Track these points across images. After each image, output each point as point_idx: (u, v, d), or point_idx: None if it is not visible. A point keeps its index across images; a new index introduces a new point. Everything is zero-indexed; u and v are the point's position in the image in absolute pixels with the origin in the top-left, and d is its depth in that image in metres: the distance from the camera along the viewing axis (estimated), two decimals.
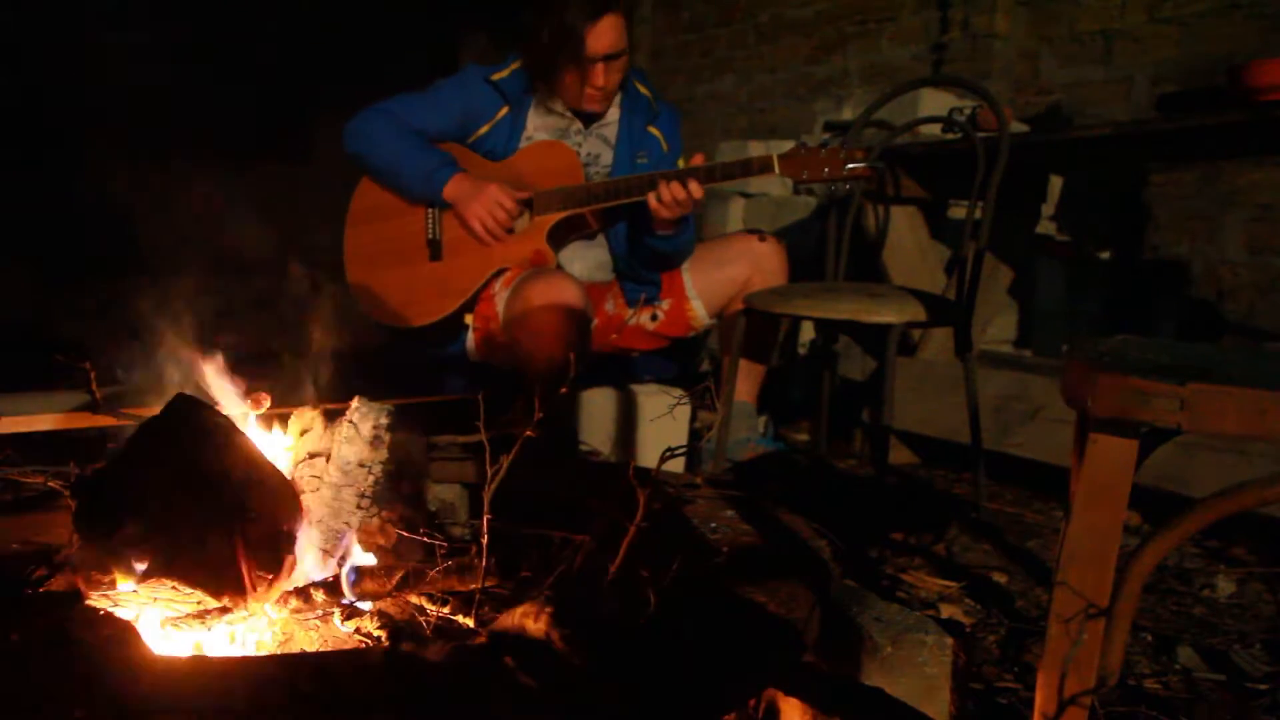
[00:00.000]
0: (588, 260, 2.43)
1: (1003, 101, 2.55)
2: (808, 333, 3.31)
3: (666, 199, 2.11)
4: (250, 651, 1.03)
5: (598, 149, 2.38)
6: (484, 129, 2.33)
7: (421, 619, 1.08)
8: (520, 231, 2.27)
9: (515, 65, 2.34)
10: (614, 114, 2.39)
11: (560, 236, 2.32)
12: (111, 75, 4.03)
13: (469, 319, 2.30)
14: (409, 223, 2.34)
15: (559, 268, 2.34)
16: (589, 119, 2.37)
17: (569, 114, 2.35)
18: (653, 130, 2.39)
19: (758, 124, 5.04)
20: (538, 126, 2.35)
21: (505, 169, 2.30)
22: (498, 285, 2.25)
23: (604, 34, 2.16)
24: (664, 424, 2.23)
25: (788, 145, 2.38)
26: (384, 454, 1.24)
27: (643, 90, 2.40)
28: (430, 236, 2.32)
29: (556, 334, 2.06)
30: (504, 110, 2.32)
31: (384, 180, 2.34)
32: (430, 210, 2.32)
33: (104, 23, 4.12)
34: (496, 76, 2.32)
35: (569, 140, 2.33)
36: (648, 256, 2.34)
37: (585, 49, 2.15)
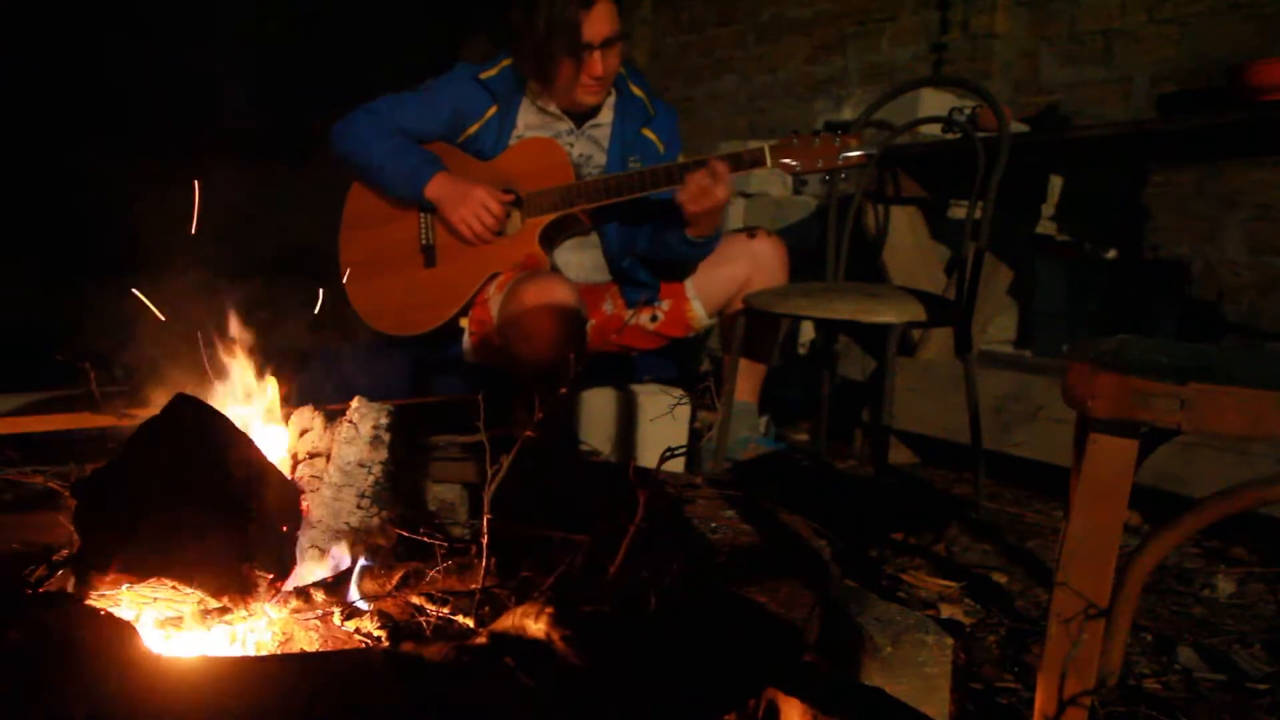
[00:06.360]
0: (584, 260, 2.42)
1: (1003, 101, 2.55)
2: (808, 333, 3.31)
3: (694, 190, 2.06)
4: (250, 651, 1.03)
5: (590, 150, 2.37)
6: (473, 128, 2.32)
7: (421, 619, 1.07)
8: (512, 234, 2.27)
9: (505, 63, 2.32)
10: (607, 116, 2.38)
11: (553, 237, 2.31)
12: (112, 74, 4.03)
13: (464, 323, 2.30)
14: (402, 228, 2.33)
15: (554, 269, 2.33)
16: (581, 119, 2.36)
17: (562, 114, 2.34)
18: (647, 133, 2.38)
19: (758, 124, 5.05)
20: (528, 125, 2.33)
21: (493, 168, 2.29)
22: (492, 289, 2.24)
23: (599, 19, 2.15)
24: (664, 424, 2.23)
25: None
26: (384, 454, 1.24)
27: (637, 92, 2.39)
28: (424, 242, 2.31)
29: (550, 337, 2.05)
30: (493, 109, 2.31)
31: (370, 181, 2.34)
32: (423, 215, 2.31)
33: (108, 23, 4.12)
34: (485, 75, 2.31)
35: (561, 141, 2.32)
36: (663, 261, 2.31)
37: (582, 36, 2.14)
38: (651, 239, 2.33)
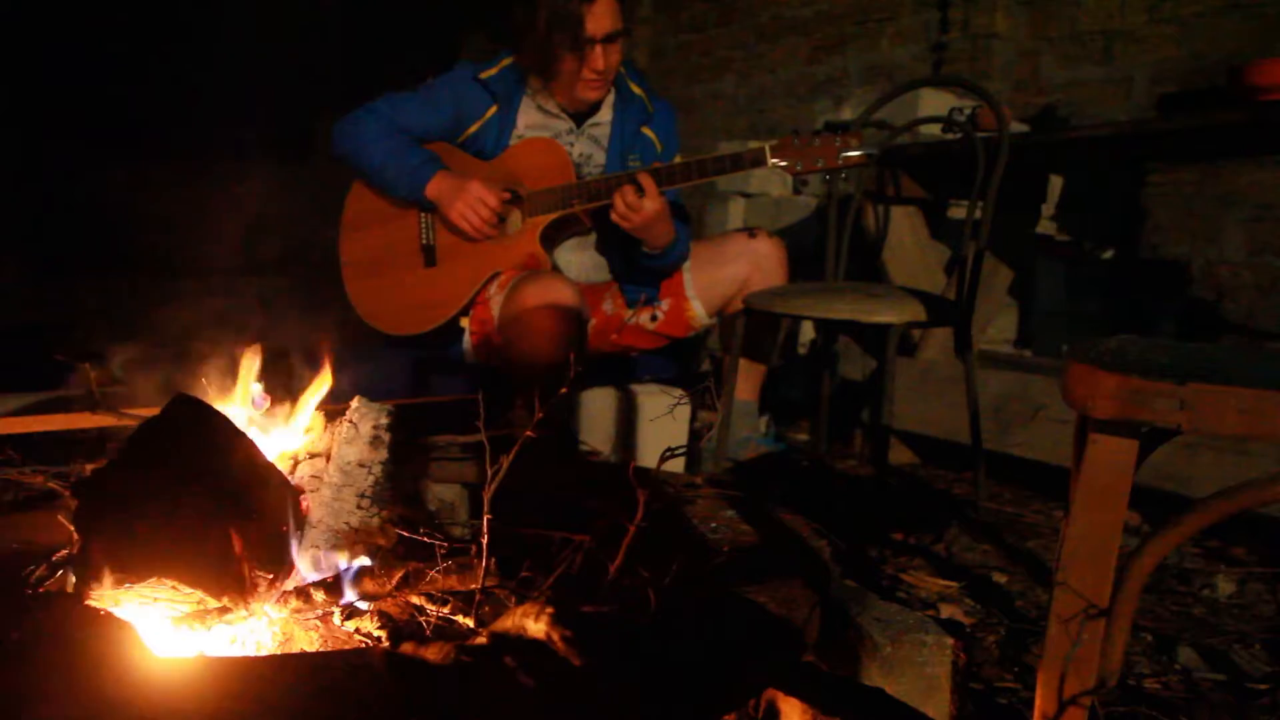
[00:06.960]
0: (584, 260, 2.42)
1: (1003, 101, 2.55)
2: (808, 333, 3.31)
3: (620, 209, 2.10)
4: (250, 651, 1.03)
5: (590, 149, 2.37)
6: (474, 128, 2.31)
7: (421, 619, 1.07)
8: (513, 234, 2.27)
9: (505, 63, 2.32)
10: (607, 115, 2.38)
11: (553, 237, 2.31)
12: (112, 75, 4.03)
13: (465, 322, 2.30)
14: (403, 228, 2.33)
15: (555, 269, 2.33)
16: (581, 119, 2.36)
17: (562, 114, 2.34)
18: (646, 132, 2.38)
19: (758, 124, 5.04)
20: (529, 125, 2.33)
21: (494, 168, 2.29)
22: (493, 289, 2.24)
23: (601, 13, 2.15)
24: (664, 424, 2.23)
25: None
26: (384, 454, 1.24)
27: (636, 91, 2.39)
28: (424, 242, 2.31)
29: (552, 336, 2.05)
30: (493, 109, 2.31)
31: (370, 180, 2.34)
32: (423, 215, 2.31)
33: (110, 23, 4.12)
34: (485, 75, 2.31)
35: (561, 141, 2.32)
36: (640, 271, 2.33)
37: (584, 31, 2.14)
38: (624, 249, 2.34)
